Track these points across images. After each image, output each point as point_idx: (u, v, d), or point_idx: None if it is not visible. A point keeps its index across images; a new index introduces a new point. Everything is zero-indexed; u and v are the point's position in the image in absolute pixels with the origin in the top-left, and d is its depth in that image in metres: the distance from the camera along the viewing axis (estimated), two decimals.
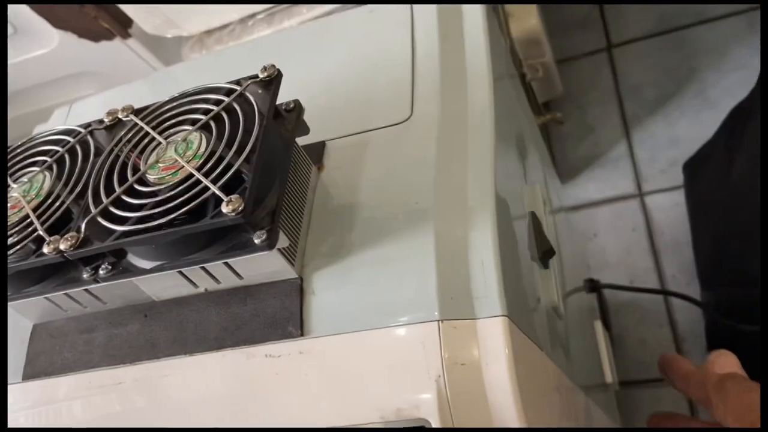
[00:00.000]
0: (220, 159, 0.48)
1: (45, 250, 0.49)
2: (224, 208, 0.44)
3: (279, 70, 0.53)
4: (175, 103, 0.55)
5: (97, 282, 0.51)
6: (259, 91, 0.52)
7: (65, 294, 0.56)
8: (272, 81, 0.53)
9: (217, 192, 0.45)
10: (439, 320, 0.47)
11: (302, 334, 0.50)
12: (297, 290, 0.52)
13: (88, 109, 0.85)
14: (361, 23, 0.73)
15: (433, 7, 0.69)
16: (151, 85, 0.84)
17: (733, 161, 1.15)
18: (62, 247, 0.48)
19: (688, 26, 1.64)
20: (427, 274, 0.49)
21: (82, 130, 0.57)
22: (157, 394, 0.54)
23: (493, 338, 0.46)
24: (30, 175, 0.56)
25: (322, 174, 0.59)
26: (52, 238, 0.49)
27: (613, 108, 1.64)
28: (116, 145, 0.55)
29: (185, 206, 0.46)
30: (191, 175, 0.48)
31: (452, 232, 0.51)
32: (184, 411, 0.53)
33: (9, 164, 0.58)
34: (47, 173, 0.56)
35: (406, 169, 0.57)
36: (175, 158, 0.50)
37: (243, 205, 0.44)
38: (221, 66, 0.80)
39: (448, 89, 0.62)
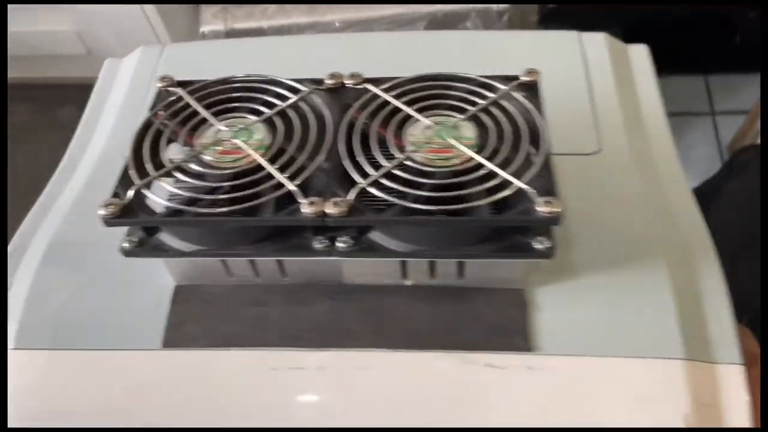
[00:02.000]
0: (512, 155, 0.46)
1: (307, 210, 0.43)
2: (541, 208, 0.42)
3: (539, 76, 0.52)
4: (424, 83, 0.51)
5: (331, 255, 0.46)
6: (520, 94, 0.50)
7: (249, 259, 0.50)
8: (534, 86, 0.51)
9: (528, 191, 0.43)
10: (684, 359, 0.47)
11: (529, 349, 0.48)
12: (521, 301, 0.50)
13: (184, 53, 0.76)
14: (530, 46, 0.72)
15: (601, 36, 0.71)
16: (261, 48, 0.77)
17: None
18: (329, 211, 0.43)
19: None
20: (668, 311, 0.49)
21: (304, 88, 0.52)
22: (347, 386, 0.49)
23: (734, 385, 0.47)
24: (242, 121, 0.50)
25: None
26: (313, 199, 0.43)
27: None
28: (347, 111, 0.51)
29: (484, 197, 0.43)
30: (479, 165, 0.45)
31: (681, 272, 0.52)
32: (379, 407, 0.49)
33: (205, 98, 0.51)
34: (263, 125, 0.50)
35: (612, 199, 0.57)
36: (452, 143, 0.46)
37: (561, 208, 0.42)
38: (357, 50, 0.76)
39: (630, 125, 0.64)
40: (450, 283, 0.51)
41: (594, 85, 0.67)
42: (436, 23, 1.27)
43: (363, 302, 0.51)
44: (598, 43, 0.71)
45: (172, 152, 0.49)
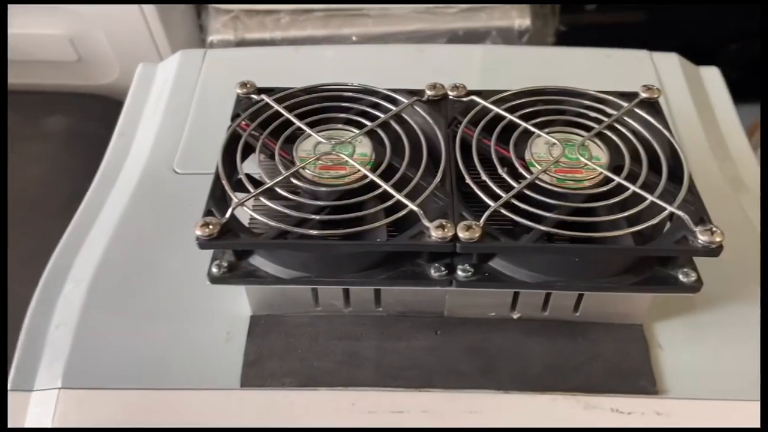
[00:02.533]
0: (652, 177, 0.42)
1: (435, 234, 0.38)
2: (702, 237, 0.38)
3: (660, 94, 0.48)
4: (535, 97, 0.47)
5: (450, 285, 0.41)
6: (641, 111, 0.47)
7: (345, 288, 0.44)
8: (655, 104, 0.47)
9: (683, 217, 0.39)
10: None
11: (657, 392, 0.44)
12: (642, 338, 0.46)
13: (228, 58, 0.71)
14: (600, 64, 0.69)
15: (674, 57, 0.68)
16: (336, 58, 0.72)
17: None
18: (462, 235, 0.38)
19: None
20: None
21: (405, 100, 0.47)
22: None
23: None
24: (342, 133, 0.45)
25: None
26: (442, 222, 0.38)
27: None
28: (453, 125, 0.46)
29: (627, 224, 0.39)
30: (620, 188, 0.41)
31: None
32: None
33: (293, 108, 0.46)
34: (366, 138, 0.44)
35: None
36: (584, 162, 0.42)
37: (722, 239, 0.38)
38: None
39: (717, 150, 0.61)
40: (562, 317, 0.46)
41: (672, 107, 0.64)
42: (456, 41, 1.24)
43: (469, 337, 0.46)
44: (671, 63, 0.68)
45: (263, 166, 0.44)
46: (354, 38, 1.26)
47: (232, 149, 0.43)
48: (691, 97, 0.65)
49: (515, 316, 0.46)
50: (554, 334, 0.46)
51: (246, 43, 1.27)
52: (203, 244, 0.38)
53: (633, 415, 0.43)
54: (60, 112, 1.48)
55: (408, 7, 1.23)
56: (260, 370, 0.45)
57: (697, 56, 0.69)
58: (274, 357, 0.45)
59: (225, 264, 0.41)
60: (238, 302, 0.47)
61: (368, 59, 0.69)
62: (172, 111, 0.64)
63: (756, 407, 0.44)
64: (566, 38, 1.45)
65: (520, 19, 1.20)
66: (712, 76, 0.68)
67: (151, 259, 0.51)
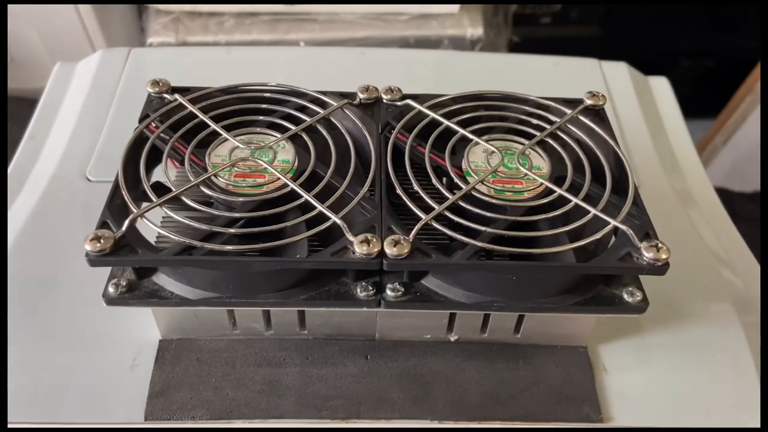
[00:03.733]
0: (595, 189, 0.39)
1: (359, 250, 0.34)
2: (647, 254, 0.35)
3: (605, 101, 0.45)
4: (475, 102, 0.44)
5: (378, 306, 0.37)
6: (585, 119, 0.44)
7: (265, 310, 0.40)
8: (600, 111, 0.45)
9: (628, 233, 0.36)
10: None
11: (601, 420, 0.41)
12: (586, 362, 0.43)
13: (154, 58, 0.66)
14: (549, 71, 0.66)
15: (622, 66, 0.66)
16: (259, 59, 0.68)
17: None
18: (389, 251, 0.34)
19: None
20: (750, 377, 0.43)
21: (334, 103, 0.43)
22: None
23: None
24: (261, 138, 0.40)
25: None
26: (367, 236, 0.34)
27: None
28: (385, 130, 0.42)
29: (568, 240, 0.36)
30: (561, 200, 0.38)
31: (753, 323, 0.46)
32: None
33: (210, 109, 0.42)
34: (289, 143, 0.40)
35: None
36: (524, 172, 0.39)
37: (668, 255, 0.35)
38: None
39: (665, 163, 0.59)
40: (503, 339, 0.43)
41: (620, 116, 0.61)
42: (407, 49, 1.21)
43: (401, 362, 0.42)
44: (620, 72, 0.66)
45: (172, 173, 0.39)
46: (301, 44, 1.22)
47: (137, 153, 0.38)
48: (640, 106, 0.63)
49: (452, 338, 0.43)
50: (494, 358, 0.43)
51: (188, 46, 1.22)
52: (93, 260, 0.33)
53: None
54: None
55: (358, 13, 1.19)
56: (167, 401, 0.40)
57: (649, 71, 0.68)
58: (184, 386, 0.41)
59: (124, 283, 0.36)
60: (147, 325, 0.42)
61: (308, 61, 0.65)
62: (88, 113, 0.59)
63: None
64: (519, 50, 1.44)
65: (472, 28, 1.18)
66: (661, 86, 0.67)
67: (52, 276, 0.46)
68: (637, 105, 0.62)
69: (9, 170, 0.56)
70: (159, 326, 0.41)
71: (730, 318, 0.46)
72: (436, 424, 0.40)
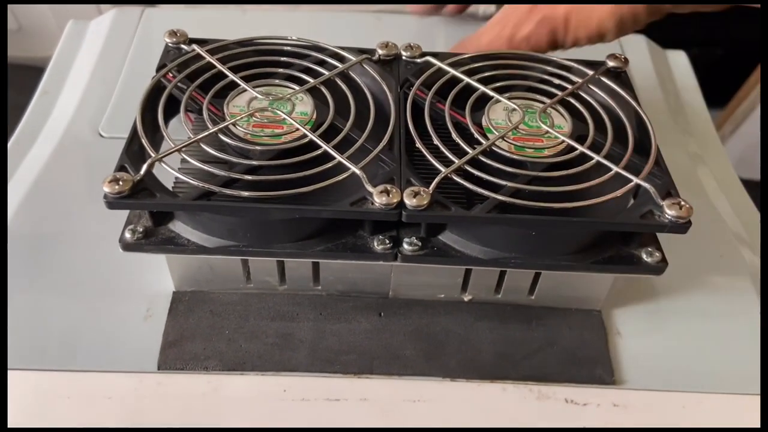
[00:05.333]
0: (617, 148, 0.38)
1: (379, 200, 0.34)
2: (670, 212, 0.34)
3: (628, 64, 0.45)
4: (495, 61, 0.43)
5: (395, 259, 0.37)
6: (607, 80, 0.43)
7: (278, 260, 0.40)
8: (622, 74, 0.44)
9: (651, 190, 0.35)
10: None
11: (614, 382, 0.41)
12: (600, 325, 0.43)
13: (167, 17, 0.65)
14: None
15: (641, 38, 0.65)
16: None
17: None
18: (408, 202, 0.34)
19: None
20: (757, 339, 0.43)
21: (353, 58, 0.42)
22: (395, 422, 0.40)
23: None
24: (280, 90, 0.40)
25: None
26: (387, 187, 0.34)
27: None
28: (404, 86, 0.42)
29: (592, 195, 0.35)
30: (582, 157, 0.37)
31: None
32: None
33: (228, 60, 0.41)
34: (307, 96, 0.40)
35: None
36: (546, 130, 0.38)
37: (690, 215, 0.35)
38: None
39: (680, 130, 0.58)
40: (516, 300, 0.42)
41: (638, 86, 0.61)
42: None
43: (415, 320, 0.42)
44: (638, 43, 0.65)
45: (188, 127, 0.39)
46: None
47: (155, 102, 0.38)
48: (657, 77, 0.62)
49: (466, 298, 0.43)
50: (507, 319, 0.42)
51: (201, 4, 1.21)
52: (112, 202, 0.33)
53: (588, 406, 0.40)
54: None
55: None
56: (181, 351, 0.40)
57: None
58: (198, 337, 0.41)
59: (140, 229, 0.36)
60: (161, 276, 0.42)
61: (324, 24, 0.65)
62: (102, 71, 0.58)
63: (718, 399, 0.41)
64: None
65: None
66: (678, 59, 0.66)
67: (65, 228, 0.46)
68: (654, 76, 0.62)
69: (21, 124, 0.55)
70: (173, 277, 0.41)
71: (746, 289, 0.45)
72: (448, 382, 0.40)
